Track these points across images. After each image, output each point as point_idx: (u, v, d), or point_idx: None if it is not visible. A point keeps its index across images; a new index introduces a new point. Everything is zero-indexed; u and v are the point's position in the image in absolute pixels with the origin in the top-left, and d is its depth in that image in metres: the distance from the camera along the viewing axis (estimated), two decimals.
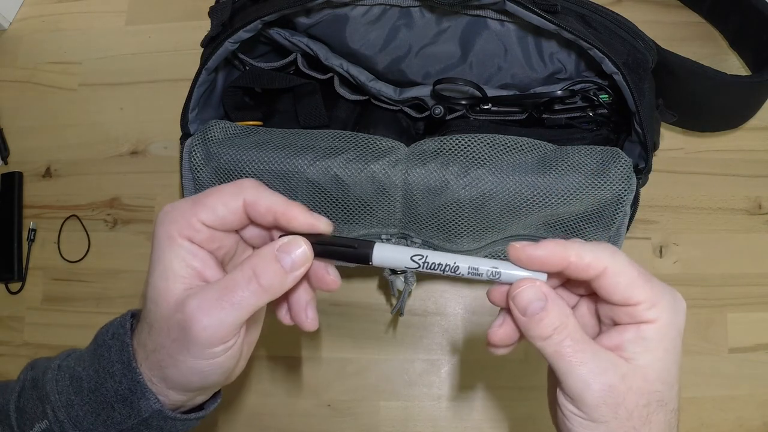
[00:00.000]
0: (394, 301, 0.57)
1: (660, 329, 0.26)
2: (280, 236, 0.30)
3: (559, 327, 0.27)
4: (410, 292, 0.48)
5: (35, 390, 0.31)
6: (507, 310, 0.29)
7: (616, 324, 0.28)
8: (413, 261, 0.29)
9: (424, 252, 0.29)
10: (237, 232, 0.32)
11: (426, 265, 0.29)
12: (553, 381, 0.31)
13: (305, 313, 0.31)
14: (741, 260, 0.59)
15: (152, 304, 0.28)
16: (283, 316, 0.32)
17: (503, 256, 0.48)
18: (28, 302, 0.63)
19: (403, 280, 0.48)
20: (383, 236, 0.47)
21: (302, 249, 0.28)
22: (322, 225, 0.30)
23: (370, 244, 0.29)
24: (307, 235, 0.29)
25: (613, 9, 0.48)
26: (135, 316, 0.32)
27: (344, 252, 0.29)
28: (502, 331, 0.30)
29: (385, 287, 0.58)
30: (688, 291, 0.58)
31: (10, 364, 0.61)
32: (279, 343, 0.58)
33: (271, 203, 0.29)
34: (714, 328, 0.57)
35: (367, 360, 0.58)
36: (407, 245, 0.48)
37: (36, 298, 0.63)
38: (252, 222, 0.31)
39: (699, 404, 0.55)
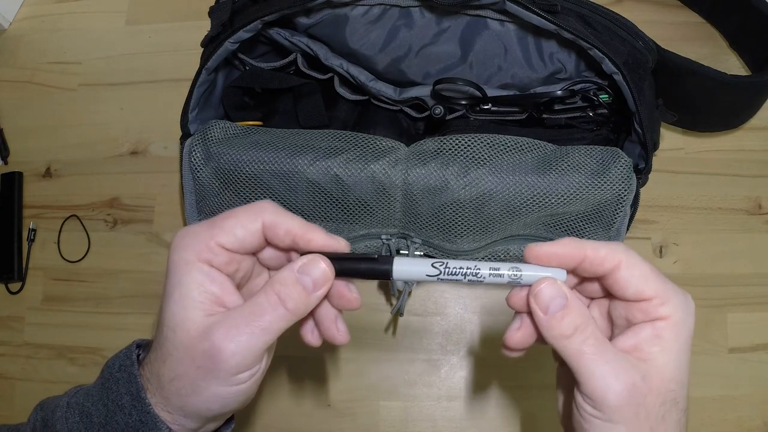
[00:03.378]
0: (394, 301, 0.57)
1: (674, 327, 0.27)
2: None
3: (580, 325, 0.26)
4: (410, 292, 0.48)
5: (46, 429, 0.31)
6: (526, 313, 0.29)
7: (629, 324, 0.28)
8: (434, 267, 0.29)
9: (444, 260, 0.29)
10: (254, 254, 0.32)
11: (447, 271, 0.29)
12: (567, 385, 0.31)
13: (335, 327, 0.32)
14: (741, 260, 0.59)
15: (170, 332, 0.28)
16: (309, 337, 0.32)
17: (503, 256, 0.48)
18: (28, 302, 0.63)
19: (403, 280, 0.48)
20: (383, 236, 0.47)
21: (322, 268, 0.29)
22: (341, 245, 0.30)
23: (389, 259, 0.29)
24: (325, 254, 0.29)
25: (613, 9, 0.48)
26: (141, 347, 0.31)
27: (364, 269, 0.30)
28: (519, 334, 0.30)
29: (385, 287, 0.58)
30: (688, 291, 0.57)
31: (10, 364, 0.61)
32: (279, 343, 0.58)
33: (290, 226, 0.29)
34: (714, 328, 0.57)
35: (367, 360, 0.58)
36: (407, 245, 0.48)
37: (36, 298, 0.63)
38: (269, 244, 0.31)
39: (699, 404, 0.55)
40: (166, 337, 0.28)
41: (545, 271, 0.28)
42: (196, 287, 0.28)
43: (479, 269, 0.28)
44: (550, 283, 0.27)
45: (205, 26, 0.48)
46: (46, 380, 0.60)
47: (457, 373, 0.57)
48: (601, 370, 0.26)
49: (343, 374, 0.57)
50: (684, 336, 0.27)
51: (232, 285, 0.30)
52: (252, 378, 0.29)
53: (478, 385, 0.57)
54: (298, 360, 0.58)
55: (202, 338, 0.27)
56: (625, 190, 0.43)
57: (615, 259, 0.27)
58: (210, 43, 0.48)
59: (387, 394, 0.57)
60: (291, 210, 0.46)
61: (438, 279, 0.29)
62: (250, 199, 0.46)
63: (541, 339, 0.30)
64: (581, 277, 0.29)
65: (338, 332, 0.32)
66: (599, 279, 0.29)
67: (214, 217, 0.29)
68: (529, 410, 0.56)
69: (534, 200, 0.43)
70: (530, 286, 0.28)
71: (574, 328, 0.26)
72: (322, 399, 0.57)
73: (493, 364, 0.57)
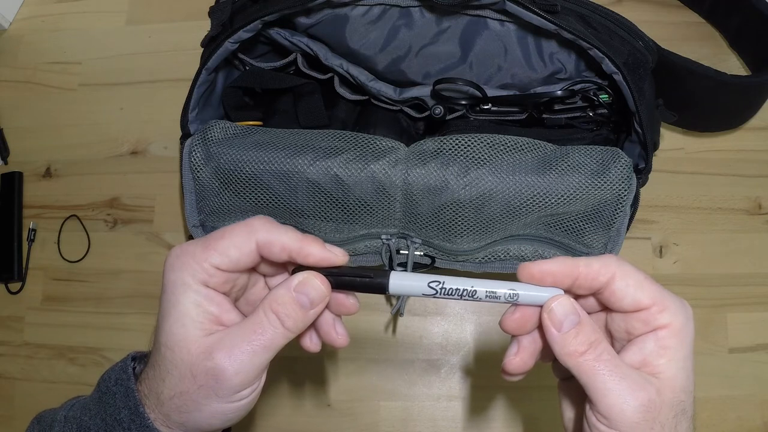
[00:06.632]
0: (394, 301, 0.57)
1: (677, 335, 0.26)
2: (293, 269, 0.30)
3: (594, 342, 0.26)
4: None
5: None
6: (521, 336, 0.29)
7: (630, 336, 0.28)
8: (430, 287, 0.29)
9: (441, 278, 0.29)
10: (250, 269, 0.32)
11: (443, 291, 0.29)
12: (574, 403, 0.30)
13: (335, 331, 0.32)
14: (741, 260, 0.59)
15: (169, 351, 0.28)
16: (308, 344, 0.32)
17: (503, 256, 0.48)
18: (28, 302, 0.63)
19: None
20: (383, 236, 0.47)
21: (318, 287, 0.29)
22: (338, 258, 0.30)
23: (385, 274, 0.29)
24: (322, 268, 0.29)
25: (614, 9, 0.48)
26: (136, 359, 0.31)
27: (360, 283, 0.30)
28: (518, 359, 0.30)
29: None
30: (688, 291, 0.58)
31: (10, 364, 0.61)
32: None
33: (285, 242, 0.29)
34: (714, 328, 0.57)
35: (367, 360, 0.58)
36: (407, 245, 0.48)
37: (36, 298, 0.63)
38: (265, 260, 0.31)
39: (699, 404, 0.55)
40: (164, 356, 0.28)
41: (543, 291, 0.28)
42: (194, 307, 0.28)
43: (476, 290, 0.28)
44: (563, 301, 0.27)
45: (205, 26, 0.48)
46: (46, 380, 0.60)
47: (457, 373, 0.57)
48: (617, 387, 0.25)
49: (343, 374, 0.57)
50: (687, 342, 0.27)
51: (229, 303, 0.30)
52: (252, 393, 0.29)
53: (478, 386, 0.57)
54: (298, 360, 0.58)
55: (203, 357, 0.27)
56: (625, 190, 0.43)
57: (608, 271, 0.27)
58: (210, 43, 0.48)
59: (387, 394, 0.57)
60: (291, 210, 0.46)
61: (434, 297, 0.29)
62: (250, 199, 0.46)
63: (544, 357, 0.30)
64: (576, 295, 0.29)
65: (337, 336, 0.32)
66: (595, 294, 0.28)
67: (207, 237, 0.29)
68: (530, 411, 0.56)
69: (534, 200, 0.43)
70: (527, 305, 0.28)
71: (588, 344, 0.26)
72: (323, 399, 0.57)
73: (494, 365, 0.57)
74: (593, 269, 0.27)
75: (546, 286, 0.28)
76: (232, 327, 0.29)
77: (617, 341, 0.29)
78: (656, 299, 0.27)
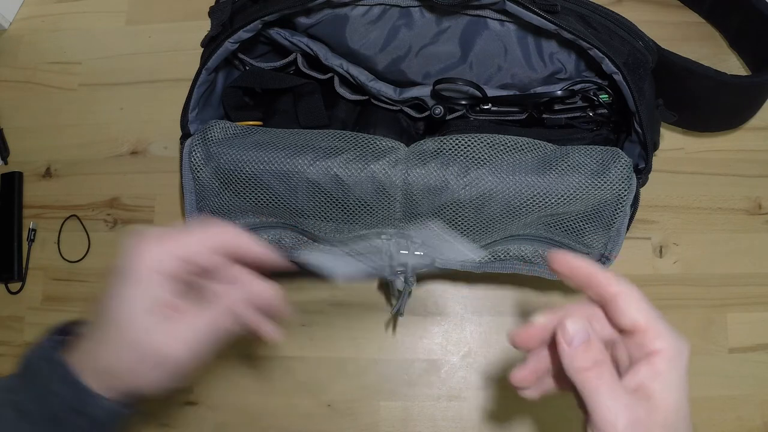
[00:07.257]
0: (394, 301, 0.57)
1: (669, 361, 0.28)
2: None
3: (599, 361, 0.29)
4: (410, 293, 0.48)
5: None
6: (533, 349, 0.33)
7: (631, 363, 0.30)
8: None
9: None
10: (206, 268, 0.35)
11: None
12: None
13: (265, 328, 0.37)
14: (741, 260, 0.59)
15: (113, 327, 0.31)
16: (263, 330, 0.38)
17: (503, 256, 0.48)
18: (28, 302, 0.63)
19: (403, 280, 0.48)
20: (383, 236, 0.47)
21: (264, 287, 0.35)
22: (271, 290, 0.35)
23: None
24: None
25: (614, 9, 0.48)
26: (62, 331, 0.34)
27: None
28: (526, 372, 0.33)
29: (385, 287, 0.58)
30: (688, 291, 0.58)
31: (10, 364, 0.61)
32: (280, 344, 0.58)
33: (233, 237, 0.34)
34: (714, 328, 0.57)
35: (367, 360, 0.58)
36: (407, 245, 0.48)
37: (36, 298, 0.63)
38: (219, 258, 0.34)
39: (699, 404, 0.55)
40: (106, 331, 0.31)
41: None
42: (145, 289, 0.31)
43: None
44: (578, 318, 0.30)
45: (205, 26, 0.48)
46: None
47: (457, 373, 0.57)
48: (611, 402, 0.27)
49: (343, 374, 0.57)
50: (680, 368, 0.29)
51: (179, 290, 0.32)
52: (195, 367, 0.32)
53: (479, 386, 0.57)
54: (298, 360, 0.58)
55: (146, 334, 0.30)
56: (625, 190, 0.43)
57: (618, 287, 0.30)
58: (210, 43, 0.48)
59: (387, 394, 0.57)
60: (291, 210, 0.46)
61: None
62: (250, 199, 0.46)
63: (558, 384, 0.33)
64: (587, 297, 0.32)
65: (268, 331, 0.37)
66: (602, 305, 0.31)
67: (170, 227, 0.33)
68: (530, 411, 0.56)
69: (534, 200, 0.43)
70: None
71: (593, 361, 0.28)
72: (322, 399, 0.57)
73: (493, 364, 0.57)
74: (605, 277, 0.30)
75: (573, 267, 0.31)
76: (180, 310, 0.32)
77: (621, 368, 0.31)
78: (651, 324, 0.29)
